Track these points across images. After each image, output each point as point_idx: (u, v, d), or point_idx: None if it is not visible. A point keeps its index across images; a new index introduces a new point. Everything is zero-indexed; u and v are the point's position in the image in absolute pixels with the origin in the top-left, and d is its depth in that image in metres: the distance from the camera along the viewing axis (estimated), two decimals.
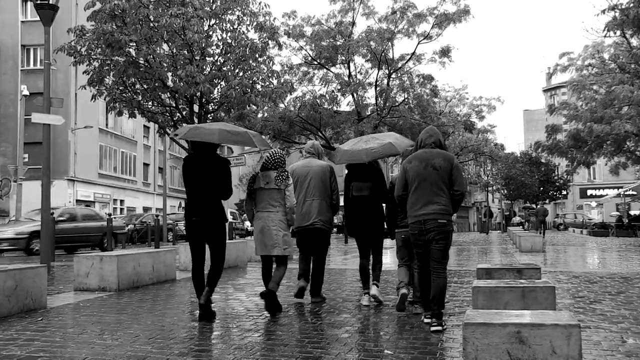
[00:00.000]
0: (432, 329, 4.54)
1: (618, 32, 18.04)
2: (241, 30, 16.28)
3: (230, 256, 10.49)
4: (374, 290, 5.93)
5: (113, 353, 3.98)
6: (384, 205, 6.07)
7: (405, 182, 4.95)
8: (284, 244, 5.53)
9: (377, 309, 5.73)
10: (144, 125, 40.59)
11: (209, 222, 5.28)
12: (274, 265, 5.75)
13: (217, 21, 16.20)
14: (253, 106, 17.35)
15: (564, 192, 52.18)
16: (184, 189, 5.53)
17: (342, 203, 6.40)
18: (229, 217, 23.37)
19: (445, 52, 19.79)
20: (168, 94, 16.43)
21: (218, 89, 16.51)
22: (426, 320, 4.84)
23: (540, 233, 30.40)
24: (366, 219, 5.96)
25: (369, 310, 5.67)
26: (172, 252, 8.85)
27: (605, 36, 18.02)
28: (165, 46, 16.02)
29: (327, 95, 19.64)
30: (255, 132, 6.38)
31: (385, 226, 6.16)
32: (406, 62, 20.01)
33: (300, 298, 6.11)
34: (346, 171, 6.25)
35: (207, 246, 5.41)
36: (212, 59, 16.44)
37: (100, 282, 7.30)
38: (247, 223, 33.69)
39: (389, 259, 11.09)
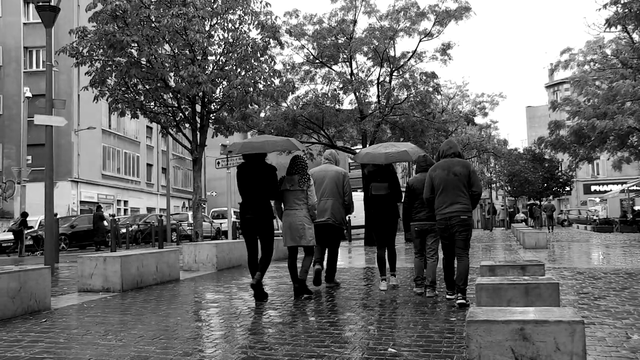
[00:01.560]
0: (458, 301, 5.58)
1: (620, 27, 17.95)
2: (243, 30, 16.28)
3: (233, 255, 10.52)
4: (393, 280, 7.10)
5: (117, 354, 3.98)
6: (399, 203, 7.07)
7: (432, 186, 6.01)
8: (309, 236, 6.51)
9: (381, 307, 5.73)
10: (147, 126, 40.65)
11: (259, 218, 6.32)
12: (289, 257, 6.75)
13: (219, 21, 16.20)
14: (255, 105, 17.36)
15: (568, 188, 52.05)
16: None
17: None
18: (233, 217, 23.43)
19: (446, 49, 19.74)
20: (170, 94, 16.45)
21: (220, 88, 16.52)
22: (448, 297, 5.92)
23: (549, 229, 30.99)
24: (383, 215, 6.99)
25: (373, 309, 5.67)
26: (176, 252, 8.87)
27: (606, 31, 17.94)
28: (167, 46, 16.04)
29: (329, 94, 19.62)
30: (291, 138, 7.84)
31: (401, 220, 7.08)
32: (408, 60, 19.97)
33: (317, 285, 7.12)
34: (364, 174, 7.29)
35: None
36: (214, 58, 16.45)
37: (104, 283, 7.32)
38: None
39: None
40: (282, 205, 6.66)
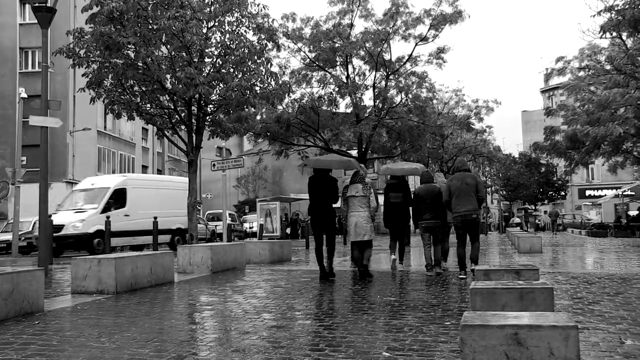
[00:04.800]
0: (473, 267, 7.49)
1: (614, 34, 18.01)
2: (240, 32, 16.28)
3: (228, 258, 10.50)
4: (398, 266, 9.36)
5: (110, 356, 3.96)
6: (410, 208, 9.20)
7: (450, 192, 8.30)
8: (370, 232, 8.43)
9: (375, 311, 5.72)
10: (143, 128, 40.56)
11: (324, 217, 8.31)
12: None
13: (216, 23, 16.19)
14: (252, 108, 17.35)
15: (563, 193, 52.19)
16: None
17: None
18: (228, 219, 23.35)
19: (441, 53, 19.80)
20: (167, 96, 16.42)
21: (217, 90, 16.50)
22: (460, 276, 8.19)
23: (553, 232, 32.20)
24: (398, 216, 9.09)
25: (367, 312, 5.67)
26: (171, 254, 8.83)
27: (601, 37, 17.99)
28: (163, 48, 16.02)
29: (325, 97, 19.65)
30: (352, 158, 10.90)
31: (411, 221, 9.35)
32: (403, 64, 20.02)
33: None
34: (384, 186, 9.48)
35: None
36: (211, 60, 16.43)
37: (98, 285, 7.28)
38: (246, 225, 34.13)
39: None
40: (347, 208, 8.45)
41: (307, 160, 9.14)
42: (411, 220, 9.42)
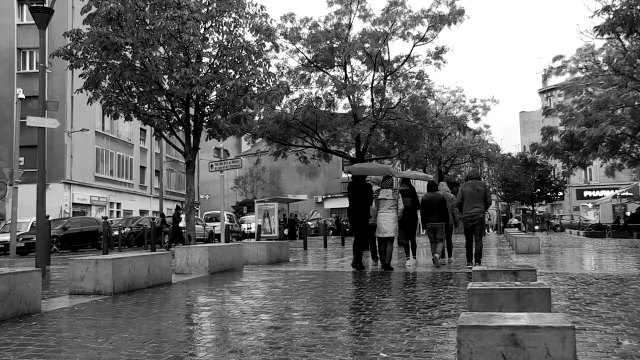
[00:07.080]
0: (474, 268, 7.37)
1: (611, 34, 18.00)
2: (237, 33, 16.29)
3: (226, 259, 10.49)
4: (413, 260, 10.91)
5: (107, 357, 3.96)
6: (417, 210, 11.05)
7: (462, 196, 9.91)
8: (395, 230, 9.93)
9: (372, 311, 5.73)
10: (141, 128, 40.56)
11: (359, 217, 9.90)
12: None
13: (213, 23, 16.19)
14: (249, 109, 17.34)
15: (560, 194, 52.23)
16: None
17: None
18: (226, 220, 23.35)
19: (439, 53, 19.80)
20: (164, 96, 16.41)
21: (213, 91, 16.50)
22: (468, 266, 9.76)
23: (547, 232, 32.58)
24: (408, 217, 10.64)
25: (364, 313, 5.67)
26: (168, 255, 8.82)
27: (597, 37, 17.97)
28: (161, 49, 16.02)
29: (323, 98, 19.64)
30: (389, 166, 12.49)
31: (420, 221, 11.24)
32: (402, 65, 20.02)
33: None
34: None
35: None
36: (208, 60, 16.43)
37: (96, 286, 7.27)
38: (244, 226, 34.26)
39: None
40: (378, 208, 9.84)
41: (351, 167, 10.62)
42: (419, 221, 11.05)
